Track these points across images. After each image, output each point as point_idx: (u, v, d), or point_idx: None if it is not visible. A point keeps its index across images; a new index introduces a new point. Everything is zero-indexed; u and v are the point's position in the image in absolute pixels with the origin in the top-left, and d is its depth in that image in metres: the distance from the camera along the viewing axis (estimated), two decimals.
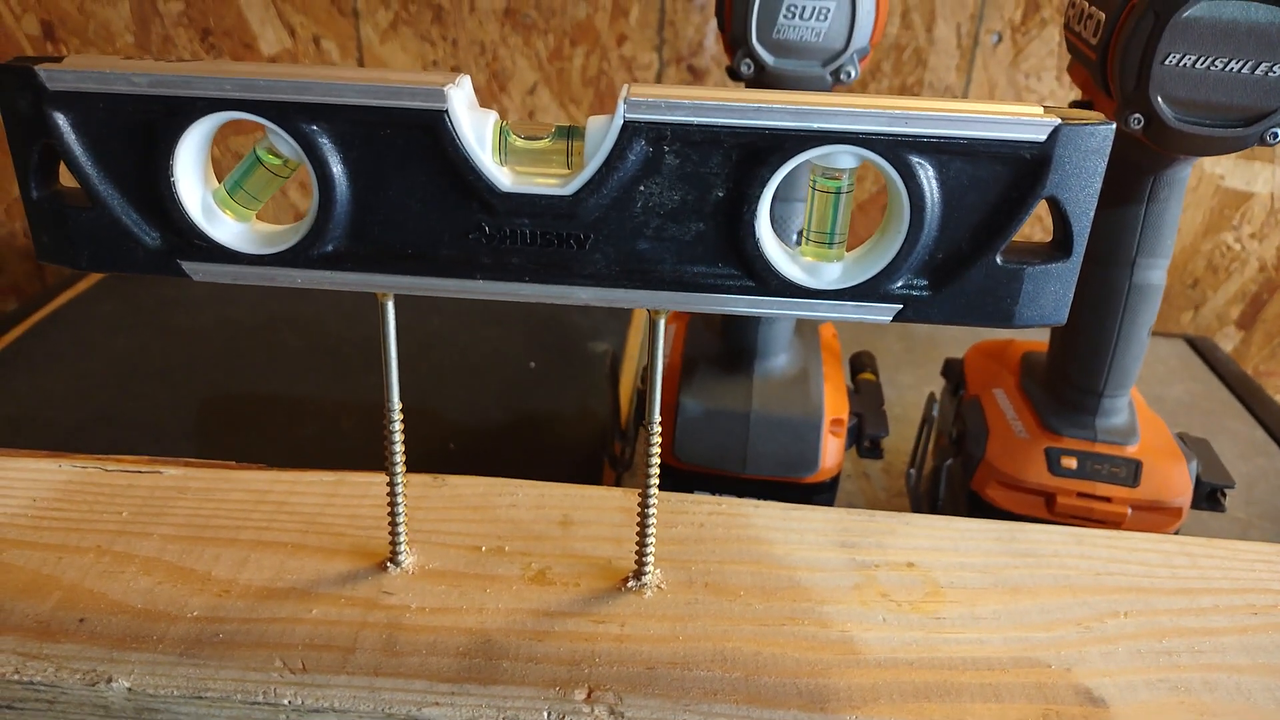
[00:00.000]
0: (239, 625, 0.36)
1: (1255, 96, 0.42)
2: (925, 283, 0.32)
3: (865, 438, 0.57)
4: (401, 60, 0.99)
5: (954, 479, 0.59)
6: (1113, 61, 0.44)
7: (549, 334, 0.86)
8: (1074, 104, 0.51)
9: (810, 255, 0.32)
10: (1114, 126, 0.29)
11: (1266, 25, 0.41)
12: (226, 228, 0.32)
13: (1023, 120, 0.29)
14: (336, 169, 0.31)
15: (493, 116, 0.31)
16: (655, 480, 0.37)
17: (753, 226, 0.31)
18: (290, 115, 0.30)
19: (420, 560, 0.39)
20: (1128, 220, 0.50)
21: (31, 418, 0.72)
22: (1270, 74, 0.41)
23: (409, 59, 0.99)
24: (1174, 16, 0.41)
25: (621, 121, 0.29)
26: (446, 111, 0.29)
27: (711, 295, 0.32)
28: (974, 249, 0.31)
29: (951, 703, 0.34)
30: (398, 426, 0.37)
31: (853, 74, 0.48)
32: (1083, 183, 0.30)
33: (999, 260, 0.31)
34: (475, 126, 0.30)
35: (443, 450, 0.70)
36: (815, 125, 0.29)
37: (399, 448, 0.37)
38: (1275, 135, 0.43)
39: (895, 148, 0.29)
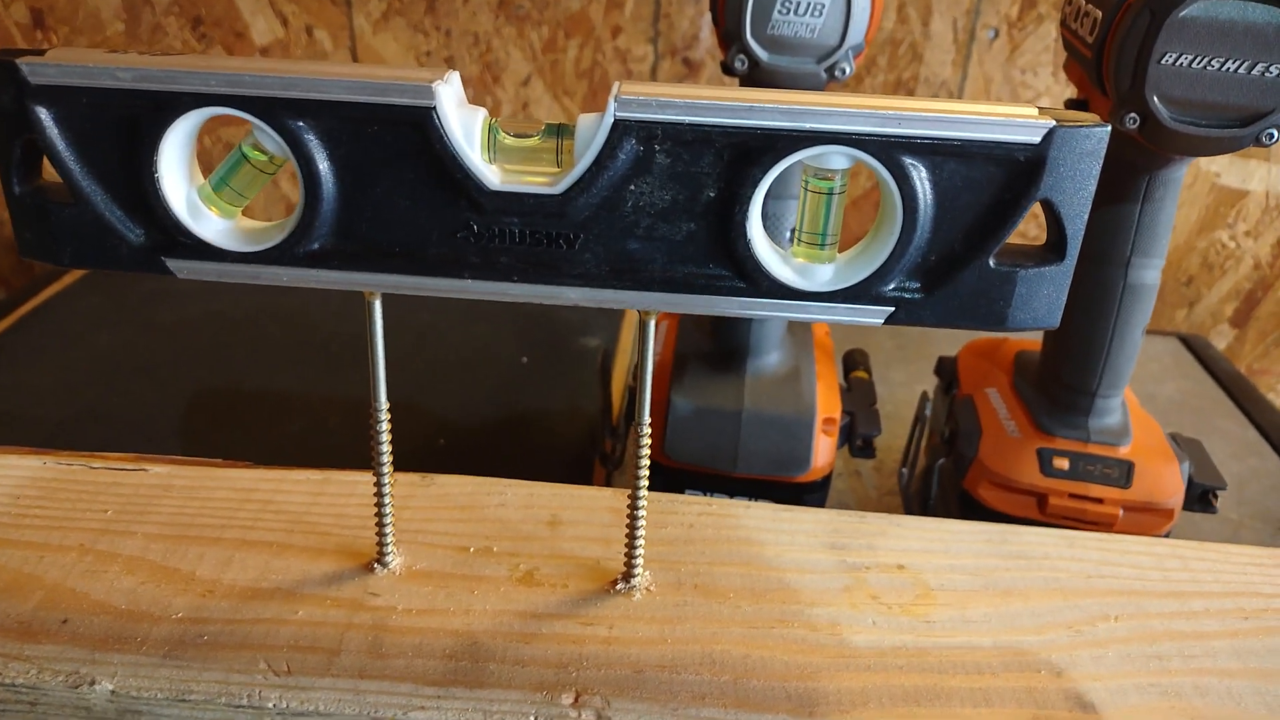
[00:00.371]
0: (223, 626, 0.35)
1: (1252, 96, 0.42)
2: (918, 285, 0.31)
3: (857, 436, 0.57)
4: (394, 50, 0.99)
5: (946, 478, 0.59)
6: (1109, 60, 0.43)
7: (541, 329, 0.86)
8: (1069, 102, 0.51)
9: (802, 256, 0.32)
10: (1109, 129, 0.29)
11: (1263, 25, 0.40)
12: (211, 225, 0.32)
13: (1017, 122, 0.29)
14: (323, 166, 0.30)
15: (482, 114, 0.30)
16: (645, 482, 0.37)
17: (744, 227, 0.30)
18: (276, 111, 0.30)
19: (407, 561, 0.39)
20: (1122, 219, 0.50)
21: (16, 413, 0.72)
22: (1267, 74, 0.41)
23: (401, 49, 0.99)
24: (1170, 16, 0.41)
25: (612, 120, 0.29)
26: (435, 109, 0.29)
27: (702, 296, 0.32)
28: (967, 251, 0.30)
29: (941, 707, 0.34)
30: (385, 426, 0.37)
31: (847, 70, 0.47)
32: (1077, 185, 0.29)
33: (992, 263, 0.31)
34: (464, 124, 0.30)
35: (432, 446, 0.69)
36: (808, 125, 0.29)
37: (386, 447, 0.37)
38: (1271, 135, 0.43)
39: (888, 149, 0.29)
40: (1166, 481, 0.53)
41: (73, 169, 0.31)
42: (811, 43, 0.47)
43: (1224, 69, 0.41)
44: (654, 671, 0.35)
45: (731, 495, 0.56)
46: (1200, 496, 0.54)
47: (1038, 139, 0.29)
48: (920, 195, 0.30)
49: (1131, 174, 0.48)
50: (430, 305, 0.88)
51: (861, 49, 0.47)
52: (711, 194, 0.30)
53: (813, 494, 0.57)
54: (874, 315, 0.32)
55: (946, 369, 0.65)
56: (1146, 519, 0.53)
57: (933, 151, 0.29)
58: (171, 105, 0.30)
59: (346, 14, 0.97)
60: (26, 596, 0.36)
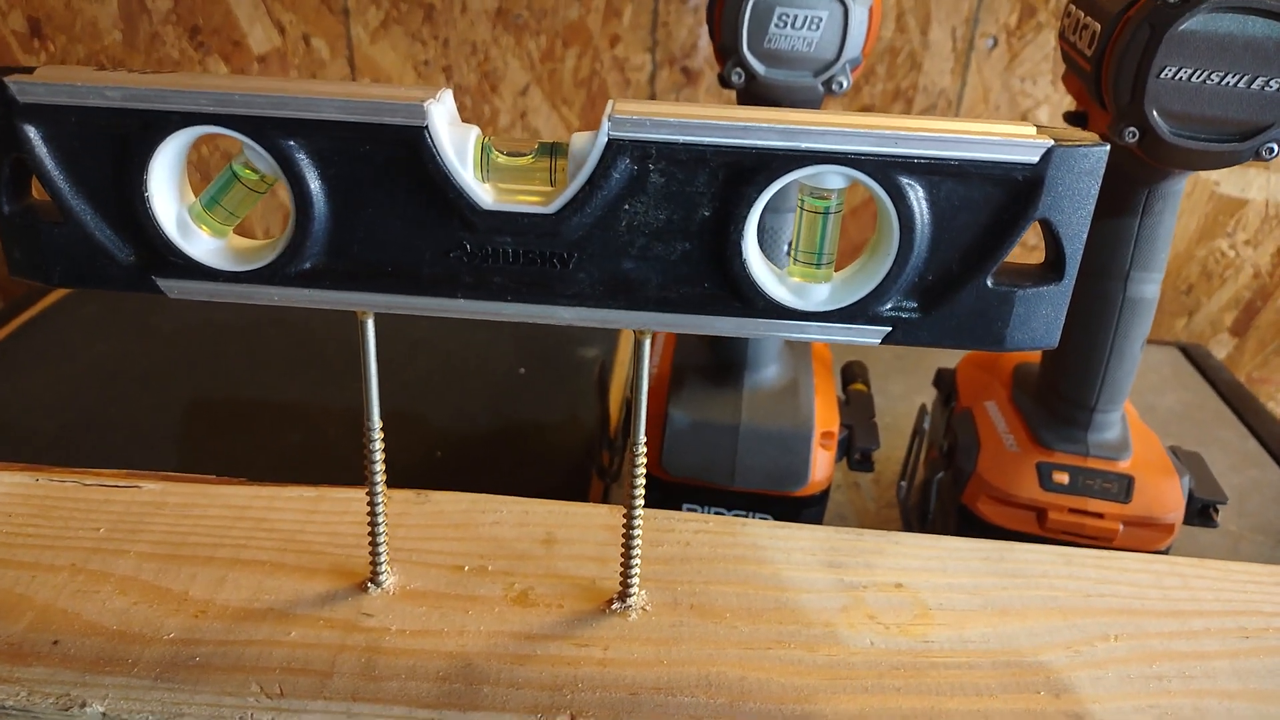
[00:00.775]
0: (215, 647, 0.35)
1: (1251, 111, 0.41)
2: (915, 305, 0.31)
3: (855, 450, 0.57)
4: (392, 60, 0.98)
5: (945, 492, 0.58)
6: (1108, 74, 0.43)
7: (538, 340, 0.85)
8: (1068, 114, 0.50)
9: (798, 275, 0.31)
10: (1107, 148, 0.29)
11: (1263, 39, 0.40)
12: (202, 244, 0.32)
13: (1015, 141, 0.28)
14: (314, 185, 0.30)
15: (474, 132, 0.30)
16: (640, 501, 0.36)
17: (740, 246, 0.30)
18: (267, 130, 0.29)
19: (401, 580, 0.39)
20: (1121, 233, 0.49)
21: (14, 424, 0.71)
22: (1266, 88, 0.41)
23: (399, 58, 0.98)
24: (1170, 29, 0.40)
25: (606, 139, 0.29)
26: (426, 128, 0.29)
27: (697, 316, 0.31)
28: (965, 271, 0.30)
29: None
30: (378, 444, 0.37)
31: (845, 84, 0.47)
32: (1075, 205, 0.29)
33: (990, 283, 0.30)
34: (456, 143, 0.29)
35: (429, 459, 0.69)
36: (803, 145, 0.28)
37: (379, 466, 0.37)
38: (1272, 150, 0.42)
39: (885, 168, 0.29)
40: (1167, 496, 0.52)
41: (62, 188, 0.31)
42: (808, 57, 0.46)
43: (1223, 83, 0.41)
44: (649, 694, 0.34)
45: (729, 509, 0.56)
46: (1201, 511, 0.54)
47: (1036, 158, 0.28)
48: (917, 215, 0.29)
49: (1130, 187, 0.48)
50: (427, 316, 0.88)
51: (859, 63, 0.47)
52: (706, 213, 0.30)
53: (811, 508, 0.56)
54: (871, 335, 0.31)
55: (945, 381, 0.65)
56: (1146, 534, 0.52)
57: (930, 171, 0.29)
58: (161, 124, 0.29)
59: (344, 23, 0.97)
60: (17, 618, 0.36)
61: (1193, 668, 0.37)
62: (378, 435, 0.36)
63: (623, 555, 0.37)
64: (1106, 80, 0.43)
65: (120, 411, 0.73)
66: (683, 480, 0.56)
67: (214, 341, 0.84)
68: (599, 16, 0.95)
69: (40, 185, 0.31)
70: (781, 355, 0.58)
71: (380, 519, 0.37)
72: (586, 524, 0.42)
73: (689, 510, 0.56)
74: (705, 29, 0.96)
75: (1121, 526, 0.52)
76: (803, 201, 0.30)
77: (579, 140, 0.29)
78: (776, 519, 0.53)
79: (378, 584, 0.38)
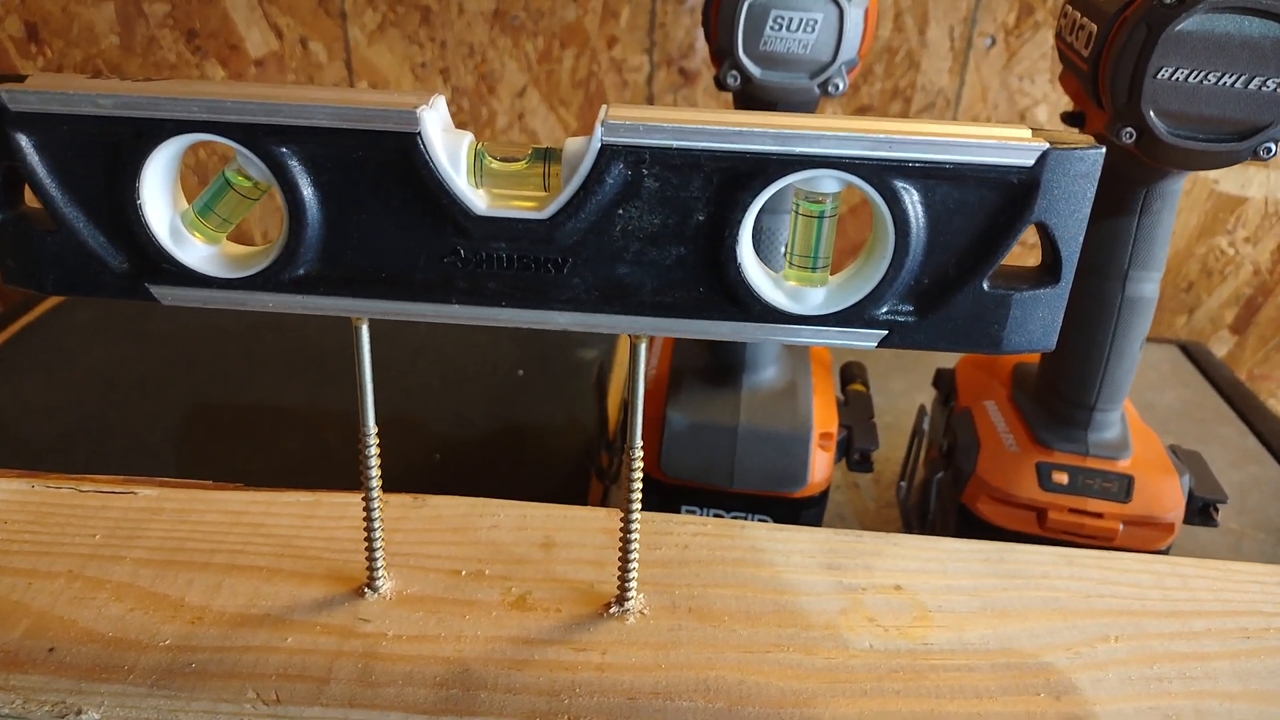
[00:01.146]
0: (211, 654, 0.35)
1: (1249, 111, 0.41)
2: (911, 308, 0.31)
3: (855, 451, 0.57)
4: (389, 62, 0.98)
5: (944, 493, 0.58)
6: (1104, 74, 0.43)
7: (536, 342, 0.85)
8: (1065, 115, 0.50)
9: (794, 279, 0.31)
10: (1104, 150, 0.28)
11: (1260, 39, 0.40)
12: (195, 251, 0.31)
13: (1010, 144, 0.28)
14: (307, 192, 0.30)
15: (468, 138, 0.30)
16: (638, 505, 0.36)
17: (735, 251, 0.30)
18: (259, 137, 0.29)
19: (398, 585, 0.38)
20: (1119, 233, 0.49)
21: (11, 429, 0.71)
22: (1264, 88, 0.41)
23: (396, 61, 0.98)
24: (1167, 29, 0.40)
25: (599, 144, 0.29)
26: (420, 134, 0.29)
27: (693, 320, 0.31)
28: (960, 274, 0.30)
29: None
30: (373, 450, 0.37)
31: (840, 86, 0.47)
32: (1072, 208, 0.29)
33: (986, 286, 0.30)
34: (449, 149, 0.29)
35: (427, 461, 0.69)
36: (798, 149, 0.28)
37: (375, 471, 0.37)
38: (1269, 149, 0.42)
39: (880, 172, 0.29)
40: (1167, 495, 0.52)
41: (54, 196, 0.30)
42: (804, 59, 0.46)
43: (1221, 83, 0.41)
44: (648, 699, 0.34)
45: (728, 511, 0.56)
46: (1201, 510, 0.54)
47: (1031, 161, 0.28)
48: (913, 219, 0.29)
49: (1128, 187, 0.48)
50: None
51: (855, 64, 0.47)
52: (701, 218, 0.30)
53: (810, 509, 0.56)
54: (867, 339, 0.31)
55: (945, 381, 0.65)
56: (1147, 533, 0.52)
57: (925, 175, 0.29)
58: (153, 132, 0.29)
59: (341, 26, 0.97)
60: (13, 625, 0.36)
61: (1194, 669, 0.37)
62: (373, 441, 0.36)
63: (620, 560, 0.37)
64: (1103, 80, 0.43)
65: (117, 417, 0.73)
66: (681, 482, 0.55)
67: (211, 347, 0.84)
68: (596, 18, 0.95)
69: (33, 193, 0.31)
70: (780, 357, 0.58)
71: (376, 524, 0.37)
72: (585, 527, 0.42)
73: (688, 512, 0.56)
74: (701, 29, 0.96)
75: (1121, 526, 0.52)
76: (797, 205, 0.30)
77: (573, 145, 0.29)
78: (776, 520, 0.53)
79: (374, 589, 0.38)
